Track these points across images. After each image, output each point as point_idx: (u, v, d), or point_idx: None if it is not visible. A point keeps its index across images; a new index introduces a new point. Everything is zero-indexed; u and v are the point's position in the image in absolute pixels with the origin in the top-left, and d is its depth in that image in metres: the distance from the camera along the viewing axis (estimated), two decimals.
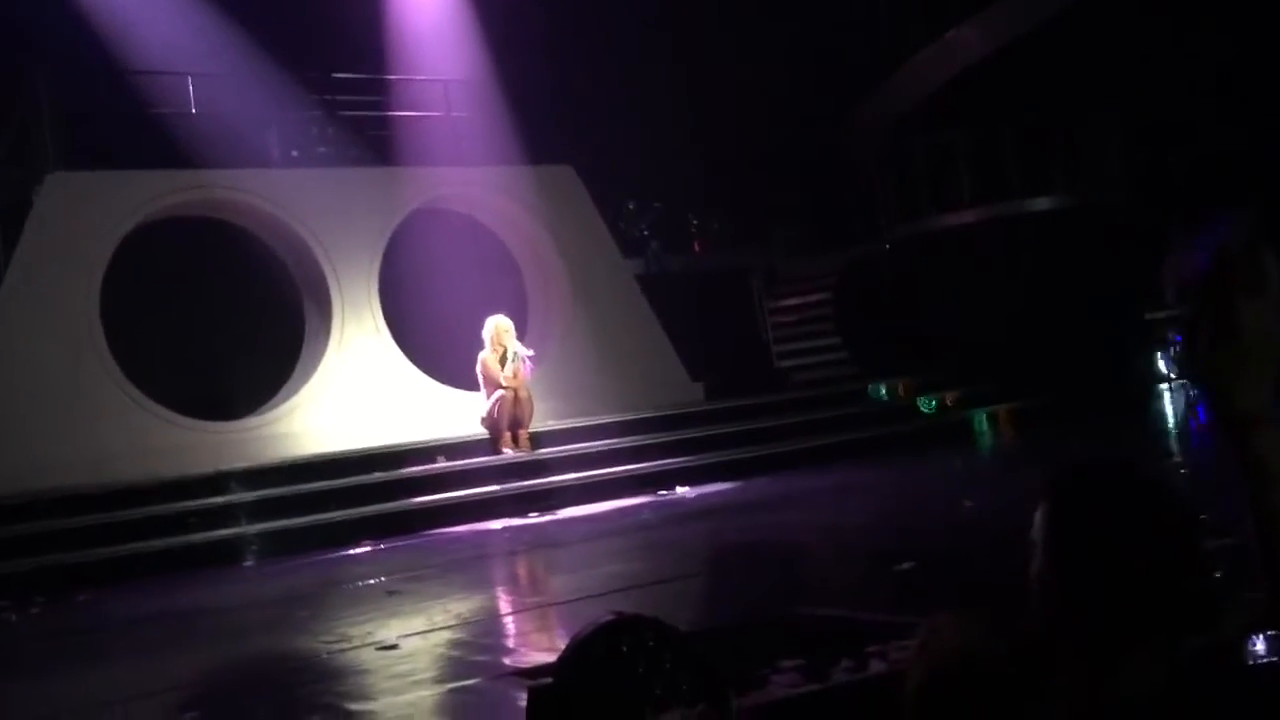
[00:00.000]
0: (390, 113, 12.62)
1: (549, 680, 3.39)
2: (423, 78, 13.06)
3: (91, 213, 10.79)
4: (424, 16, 13.57)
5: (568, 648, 3.32)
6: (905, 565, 5.75)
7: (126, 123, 11.26)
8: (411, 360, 12.08)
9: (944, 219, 14.43)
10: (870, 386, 13.04)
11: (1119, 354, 13.85)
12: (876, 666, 4.08)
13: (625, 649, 3.43)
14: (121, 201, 10.97)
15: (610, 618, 3.38)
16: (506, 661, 4.92)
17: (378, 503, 9.92)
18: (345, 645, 5.49)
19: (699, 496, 9.95)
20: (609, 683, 3.34)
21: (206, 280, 12.42)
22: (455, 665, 4.92)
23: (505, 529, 9.40)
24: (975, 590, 5.18)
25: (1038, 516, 1.92)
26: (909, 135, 14.69)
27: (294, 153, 12.26)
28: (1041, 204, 14.07)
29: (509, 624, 6.00)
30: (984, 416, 12.46)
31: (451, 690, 4.49)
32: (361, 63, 12.59)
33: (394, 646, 5.30)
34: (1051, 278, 13.65)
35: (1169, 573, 1.83)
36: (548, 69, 13.93)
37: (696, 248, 16.01)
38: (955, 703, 1.89)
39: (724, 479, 10.51)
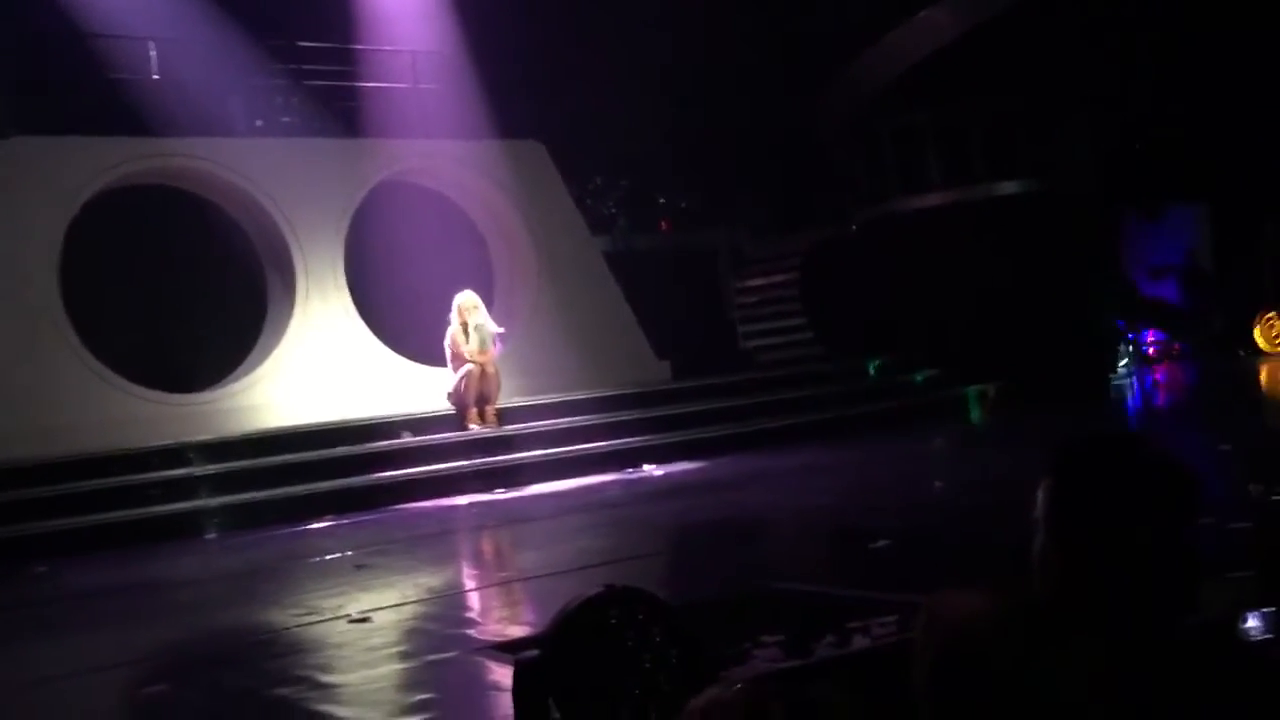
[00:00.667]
0: (357, 83, 12.44)
1: (535, 653, 3.34)
2: (390, 48, 12.88)
3: (50, 179, 10.56)
4: None
5: (555, 619, 3.27)
6: (880, 543, 5.76)
7: (86, 88, 11.01)
8: (376, 334, 11.96)
9: (910, 201, 14.48)
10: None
11: (1082, 337, 14.00)
12: (860, 642, 4.09)
13: (614, 621, 3.38)
14: (81, 168, 10.74)
15: (599, 590, 3.32)
16: (481, 635, 4.87)
17: (342, 477, 9.83)
18: (316, 618, 5.42)
19: (666, 474, 9.94)
20: (597, 655, 3.28)
21: (168, 250, 12.20)
22: (430, 639, 4.87)
23: (472, 505, 9.35)
24: (949, 567, 5.20)
25: (1040, 494, 1.90)
26: (877, 117, 14.71)
27: (258, 122, 12.06)
28: (1008, 188, 14.15)
29: (481, 598, 5.96)
30: (971, 396, 12.61)
31: (428, 663, 4.44)
32: (328, 31, 12.38)
33: (366, 620, 5.24)
34: (1017, 262, 13.74)
35: (1169, 549, 1.82)
36: (517, 43, 13.80)
37: (663, 226, 15.97)
38: (970, 675, 1.88)
39: (691, 457, 10.52)
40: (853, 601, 4.64)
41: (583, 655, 3.08)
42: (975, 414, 12.31)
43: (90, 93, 11.03)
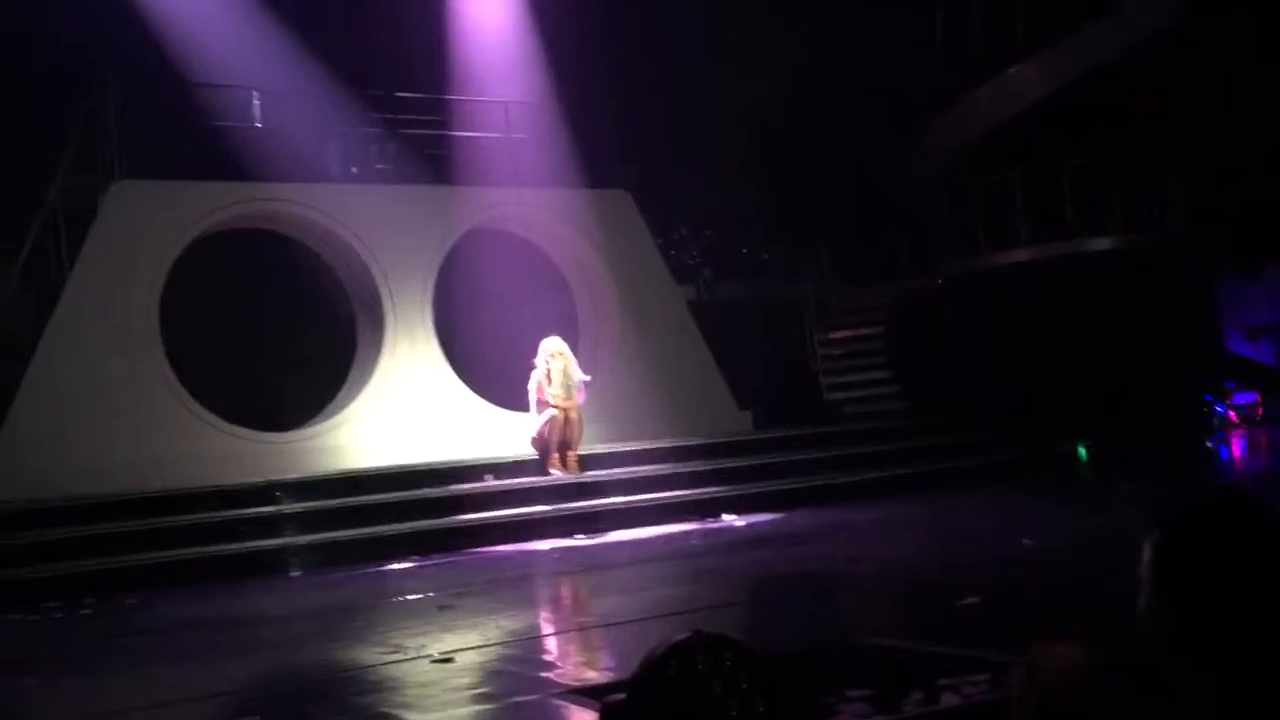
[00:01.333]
0: (450, 132, 12.70)
1: (621, 696, 3.33)
2: (483, 99, 13.15)
3: (155, 221, 10.92)
4: (486, 39, 13.69)
5: (642, 663, 3.26)
6: (968, 600, 5.64)
7: (192, 134, 11.39)
8: (461, 378, 12.10)
9: (999, 256, 14.33)
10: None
11: (1172, 397, 13.66)
12: (949, 700, 4.00)
13: (701, 667, 3.36)
14: (184, 211, 11.10)
15: (687, 635, 3.31)
16: (563, 679, 4.87)
17: (425, 518, 9.93)
18: (400, 657, 5.46)
19: (748, 525, 9.88)
20: (683, 701, 3.26)
21: (263, 292, 12.52)
22: (513, 680, 4.87)
23: (553, 550, 9.36)
24: (1041, 627, 5.07)
25: (1145, 551, 1.87)
26: (965, 170, 14.62)
27: (354, 169, 12.36)
28: (1099, 244, 13.93)
29: (563, 642, 5.95)
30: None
31: (511, 705, 4.44)
32: (424, 82, 12.70)
33: (449, 660, 5.26)
34: (1107, 319, 13.50)
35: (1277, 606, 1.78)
36: (606, 94, 13.99)
37: (748, 276, 15.98)
38: None
39: (773, 509, 10.45)
40: (941, 658, 4.55)
41: (669, 701, 3.07)
42: (1081, 468, 12.06)
43: (196, 139, 11.40)
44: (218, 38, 11.67)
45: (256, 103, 11.58)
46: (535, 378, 10.98)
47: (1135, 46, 13.44)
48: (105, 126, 10.94)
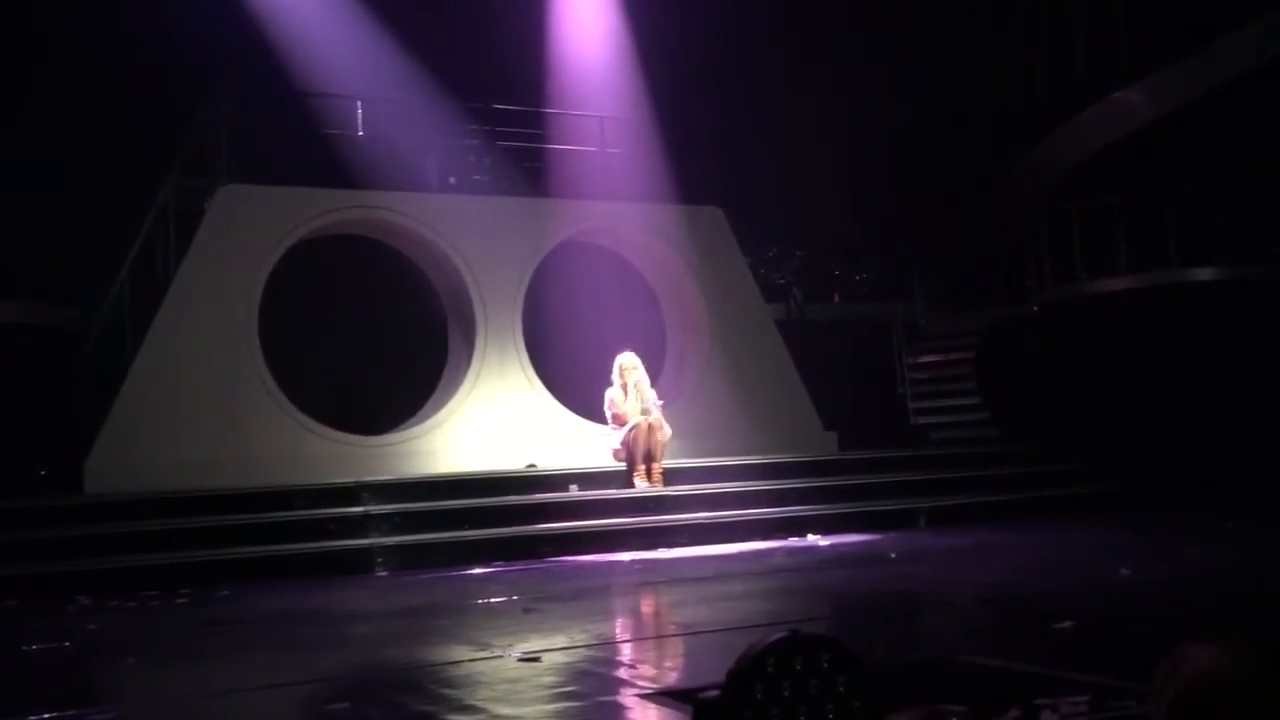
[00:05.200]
0: (546, 145, 12.84)
1: (715, 693, 3.29)
2: (579, 113, 13.28)
3: (258, 225, 11.20)
4: (585, 54, 13.84)
5: (739, 660, 3.22)
6: (1064, 624, 5.52)
7: (297, 141, 11.67)
8: (548, 388, 12.19)
9: (1096, 284, 14.05)
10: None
11: (1274, 436, 13.23)
12: (1048, 718, 3.91)
13: (798, 667, 3.30)
14: (286, 216, 11.36)
15: (784, 634, 3.26)
16: (651, 682, 4.85)
17: (508, 525, 10.01)
18: (487, 654, 5.49)
19: (833, 545, 9.78)
20: (778, 699, 3.21)
21: (359, 297, 12.76)
22: (600, 681, 4.87)
23: (634, 561, 9.36)
24: (1141, 652, 4.93)
25: None
26: (1065, 196, 14.38)
27: (451, 179, 12.55)
28: (1202, 275, 13.58)
29: (650, 647, 5.94)
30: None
31: (599, 703, 4.44)
32: (522, 95, 12.87)
33: (536, 659, 5.28)
34: (1208, 352, 13.14)
35: None
36: (701, 111, 14.05)
37: (836, 298, 15.89)
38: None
39: (859, 530, 10.35)
40: (1038, 678, 4.45)
41: (764, 699, 3.03)
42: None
43: (301, 145, 11.68)
44: (325, 47, 11.96)
45: (359, 112, 11.83)
46: (609, 394, 11.07)
47: (1238, 75, 13.12)
48: (216, 131, 11.25)
